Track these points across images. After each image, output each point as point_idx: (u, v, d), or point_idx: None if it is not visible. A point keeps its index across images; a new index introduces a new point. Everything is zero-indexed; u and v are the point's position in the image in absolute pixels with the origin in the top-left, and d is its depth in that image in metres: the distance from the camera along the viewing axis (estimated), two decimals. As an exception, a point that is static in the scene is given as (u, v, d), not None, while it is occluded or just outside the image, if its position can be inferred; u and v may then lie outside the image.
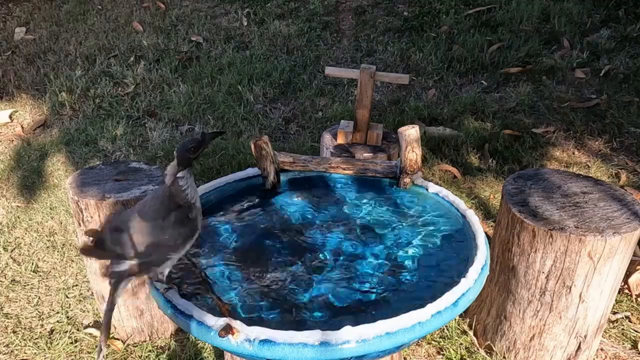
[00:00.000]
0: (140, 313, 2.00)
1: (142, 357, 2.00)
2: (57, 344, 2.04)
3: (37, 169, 3.13)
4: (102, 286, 1.94)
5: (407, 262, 1.31)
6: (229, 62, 4.01)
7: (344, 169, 1.64)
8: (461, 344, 2.01)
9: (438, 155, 3.07)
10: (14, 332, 2.11)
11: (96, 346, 2.04)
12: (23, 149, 3.35)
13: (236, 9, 4.71)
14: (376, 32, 4.30)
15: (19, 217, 2.76)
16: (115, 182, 1.92)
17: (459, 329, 2.06)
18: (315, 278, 1.26)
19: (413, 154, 1.53)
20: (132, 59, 4.13)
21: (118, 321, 2.03)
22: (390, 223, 1.45)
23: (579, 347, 1.83)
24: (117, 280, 1.17)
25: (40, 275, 2.40)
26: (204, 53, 4.17)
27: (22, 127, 3.61)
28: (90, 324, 2.13)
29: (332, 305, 1.19)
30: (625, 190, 2.02)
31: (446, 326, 2.05)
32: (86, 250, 1.20)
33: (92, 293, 2.19)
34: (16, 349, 2.04)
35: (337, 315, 1.16)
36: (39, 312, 2.21)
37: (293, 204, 1.54)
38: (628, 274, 2.16)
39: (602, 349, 1.98)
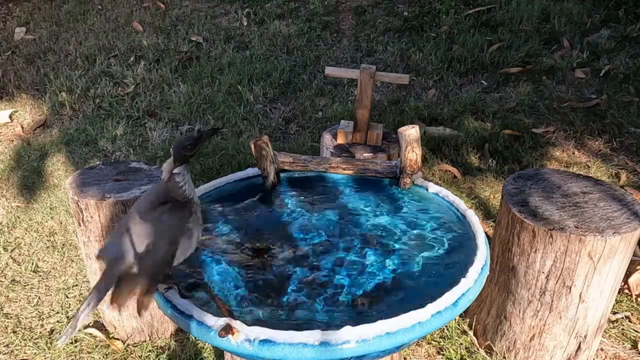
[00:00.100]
0: (140, 313, 2.00)
1: (142, 357, 2.00)
2: (57, 344, 2.04)
3: (37, 169, 3.13)
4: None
5: (407, 263, 1.31)
6: (229, 62, 4.01)
7: (344, 169, 1.64)
8: (461, 344, 2.01)
9: (438, 155, 3.07)
10: (14, 332, 2.11)
11: (96, 346, 2.04)
12: (23, 149, 3.35)
13: (236, 9, 4.71)
14: (376, 32, 4.29)
15: (19, 217, 2.76)
16: (115, 182, 1.92)
17: (459, 329, 2.06)
18: (315, 278, 1.27)
19: (413, 154, 1.53)
20: (132, 59, 4.13)
21: (118, 321, 2.03)
22: (390, 223, 1.45)
23: (579, 347, 1.83)
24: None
25: (40, 275, 2.40)
26: (204, 53, 4.17)
27: (22, 127, 3.61)
28: (90, 324, 2.13)
29: (332, 305, 1.19)
30: (625, 190, 2.02)
31: (446, 326, 2.05)
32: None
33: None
34: (16, 349, 2.04)
35: (337, 315, 1.16)
36: (39, 312, 2.21)
37: (293, 204, 1.54)
38: (628, 274, 2.16)
39: (602, 349, 1.98)
